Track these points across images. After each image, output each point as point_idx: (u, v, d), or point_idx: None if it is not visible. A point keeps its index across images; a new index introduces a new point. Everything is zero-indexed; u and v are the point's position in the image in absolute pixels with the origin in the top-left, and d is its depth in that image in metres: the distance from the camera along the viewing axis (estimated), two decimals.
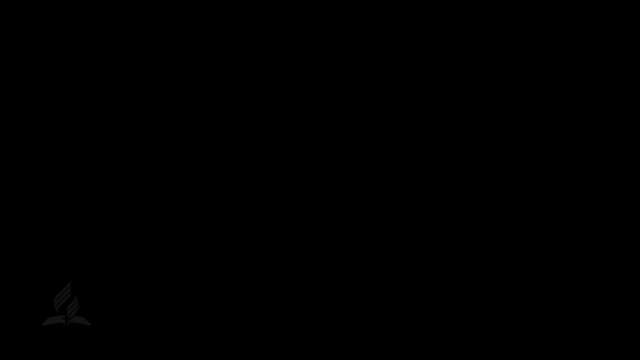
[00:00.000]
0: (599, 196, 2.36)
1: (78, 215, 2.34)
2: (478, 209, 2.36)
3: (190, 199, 2.36)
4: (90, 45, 2.38)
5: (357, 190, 2.37)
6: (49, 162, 2.35)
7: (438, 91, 2.39)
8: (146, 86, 2.38)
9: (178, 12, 2.39)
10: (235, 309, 2.32)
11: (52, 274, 2.31)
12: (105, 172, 2.35)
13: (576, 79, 2.38)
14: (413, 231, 2.35)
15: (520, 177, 2.36)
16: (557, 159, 2.37)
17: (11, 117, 2.36)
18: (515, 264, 2.34)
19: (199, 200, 2.36)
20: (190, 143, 2.37)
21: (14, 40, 2.37)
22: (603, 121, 2.38)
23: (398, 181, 2.37)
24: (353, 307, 2.33)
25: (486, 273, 2.34)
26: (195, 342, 2.30)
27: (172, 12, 2.39)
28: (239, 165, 2.37)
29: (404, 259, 2.35)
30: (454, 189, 2.37)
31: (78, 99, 2.38)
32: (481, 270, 2.34)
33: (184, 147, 2.37)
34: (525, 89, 2.38)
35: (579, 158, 2.37)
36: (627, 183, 2.36)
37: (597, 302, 2.31)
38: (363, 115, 2.39)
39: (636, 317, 2.30)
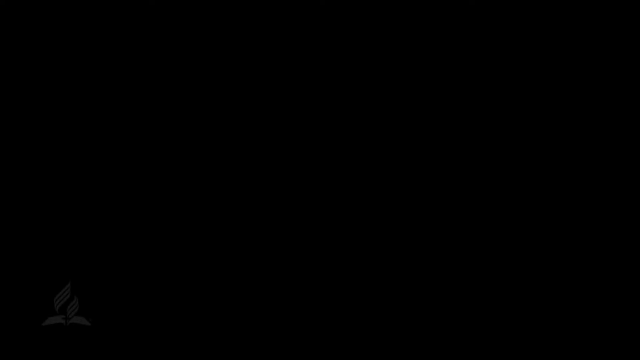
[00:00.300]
0: (599, 196, 2.36)
1: (78, 215, 2.34)
2: (478, 209, 2.36)
3: (190, 199, 2.35)
4: (90, 45, 2.38)
5: (357, 191, 2.37)
6: (49, 162, 2.35)
7: (438, 91, 2.39)
8: (146, 86, 2.38)
9: (178, 12, 2.39)
10: (235, 309, 2.32)
11: (52, 274, 2.31)
12: (105, 172, 2.35)
13: (576, 79, 2.38)
14: (413, 231, 2.35)
15: (520, 177, 2.37)
16: (557, 159, 2.37)
17: (11, 117, 2.36)
18: (515, 264, 2.34)
19: (199, 200, 2.36)
20: (190, 143, 2.37)
21: (14, 40, 2.37)
22: (603, 121, 2.38)
23: (398, 181, 2.37)
24: (353, 307, 2.33)
25: (486, 273, 2.34)
26: (195, 342, 2.30)
27: (172, 12, 2.39)
28: (239, 165, 2.37)
29: (404, 259, 2.35)
30: (454, 189, 2.37)
31: (78, 99, 2.37)
32: (481, 271, 2.34)
33: (184, 147, 2.37)
34: (525, 89, 2.38)
35: (579, 158, 2.37)
36: (627, 183, 2.36)
37: (597, 302, 2.32)
38: (363, 115, 2.39)
39: (636, 317, 2.30)
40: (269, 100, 2.39)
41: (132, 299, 2.31)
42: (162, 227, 2.34)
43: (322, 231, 2.35)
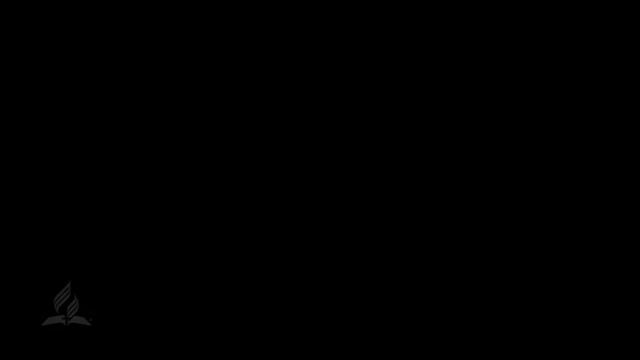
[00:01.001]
0: (599, 196, 2.36)
1: (78, 215, 2.34)
2: (478, 209, 2.36)
3: (190, 199, 2.36)
4: (91, 45, 2.38)
5: (357, 191, 2.37)
6: (49, 162, 2.35)
7: (438, 91, 2.39)
8: (146, 86, 2.38)
9: (178, 12, 2.40)
10: (235, 309, 2.32)
11: (52, 274, 2.31)
12: (105, 172, 2.36)
13: (576, 79, 2.39)
14: (413, 231, 2.36)
15: (520, 177, 2.37)
16: (557, 159, 2.37)
17: (11, 117, 2.36)
18: (515, 264, 2.34)
19: (199, 200, 2.36)
20: (190, 143, 2.37)
21: (14, 40, 2.38)
22: (603, 121, 2.38)
23: (398, 181, 2.37)
24: (353, 307, 2.33)
25: (486, 273, 2.34)
26: (195, 342, 2.30)
27: (172, 12, 2.40)
28: (239, 165, 2.37)
29: (404, 259, 2.35)
30: (454, 189, 2.37)
31: (78, 99, 2.38)
32: (481, 271, 2.34)
33: (184, 147, 2.37)
34: (525, 89, 2.38)
35: (579, 158, 2.37)
36: (627, 183, 2.36)
37: (597, 302, 2.32)
38: (363, 115, 2.39)
39: (636, 317, 2.30)
40: (269, 100, 2.39)
41: (132, 299, 2.31)
42: (162, 227, 2.34)
43: (322, 231, 2.35)
